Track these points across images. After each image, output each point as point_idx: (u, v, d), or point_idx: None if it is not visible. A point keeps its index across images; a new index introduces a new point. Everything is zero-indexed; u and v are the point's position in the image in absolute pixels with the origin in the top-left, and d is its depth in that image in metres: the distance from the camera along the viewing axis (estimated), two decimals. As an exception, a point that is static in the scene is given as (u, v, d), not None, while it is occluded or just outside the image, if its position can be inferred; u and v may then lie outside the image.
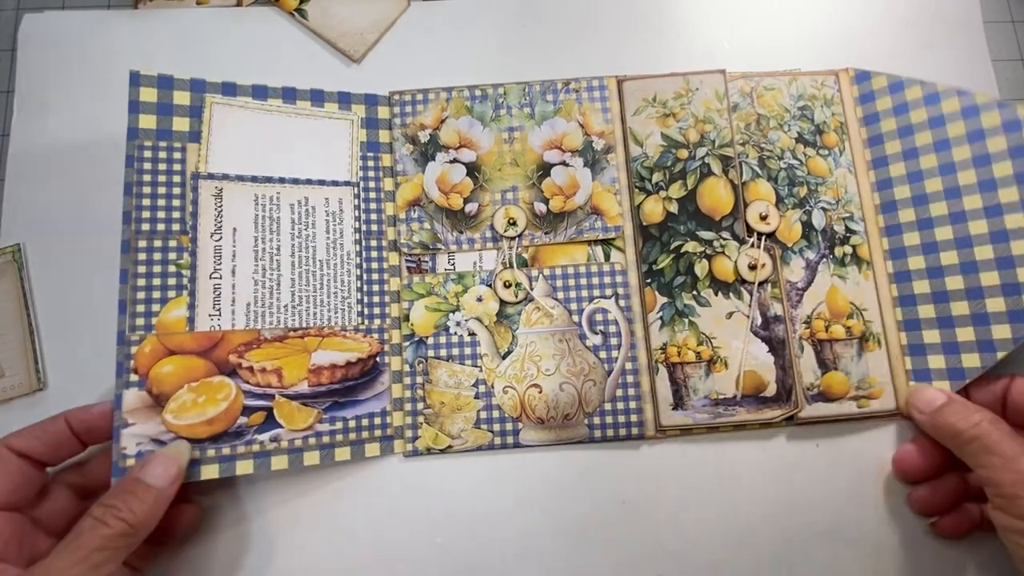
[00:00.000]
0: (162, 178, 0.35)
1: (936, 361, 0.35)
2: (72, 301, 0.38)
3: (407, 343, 0.37)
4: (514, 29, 0.43)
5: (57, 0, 0.44)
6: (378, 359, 0.36)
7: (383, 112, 0.39)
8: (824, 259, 0.38)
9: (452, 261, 0.38)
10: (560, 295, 0.37)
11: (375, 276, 0.37)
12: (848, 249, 0.38)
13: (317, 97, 0.39)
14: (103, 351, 0.36)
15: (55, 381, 0.37)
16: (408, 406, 0.36)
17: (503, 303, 0.37)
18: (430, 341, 0.37)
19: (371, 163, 0.38)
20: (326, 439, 0.35)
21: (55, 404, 0.36)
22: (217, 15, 0.43)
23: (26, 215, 0.39)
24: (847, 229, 0.38)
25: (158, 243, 0.34)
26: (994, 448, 0.30)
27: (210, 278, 0.35)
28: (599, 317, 0.37)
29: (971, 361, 0.33)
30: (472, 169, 0.39)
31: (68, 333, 0.38)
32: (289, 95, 0.38)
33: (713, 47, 0.42)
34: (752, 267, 0.37)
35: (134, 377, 0.32)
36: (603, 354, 0.37)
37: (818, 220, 0.38)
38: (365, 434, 0.35)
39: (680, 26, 0.43)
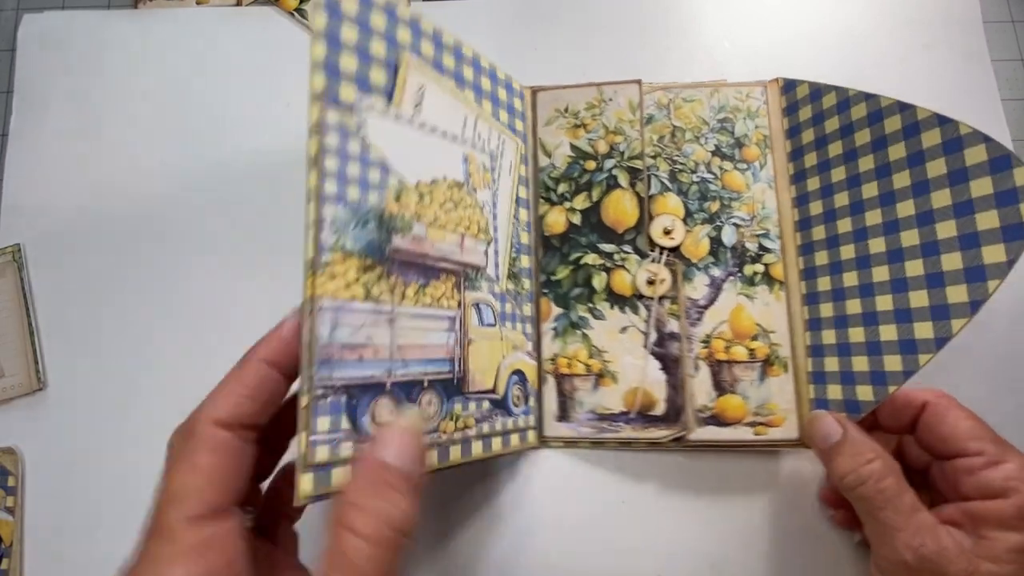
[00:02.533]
0: None
1: (834, 391, 0.32)
2: (72, 301, 0.39)
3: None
4: (514, 31, 0.43)
5: (57, 0, 0.46)
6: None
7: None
8: (731, 277, 0.36)
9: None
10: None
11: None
12: (759, 268, 0.36)
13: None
14: (103, 351, 0.38)
15: (55, 381, 0.38)
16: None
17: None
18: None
19: None
20: None
21: (55, 404, 0.38)
22: (217, 15, 0.43)
23: (26, 215, 0.40)
24: (761, 247, 0.36)
25: None
26: (877, 514, 0.28)
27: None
28: (493, 325, 0.37)
29: (865, 394, 0.31)
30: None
31: (68, 333, 0.39)
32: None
33: (713, 47, 0.42)
34: (651, 282, 0.36)
35: None
36: (494, 361, 0.37)
37: (728, 236, 0.36)
38: None
39: (684, 27, 0.43)
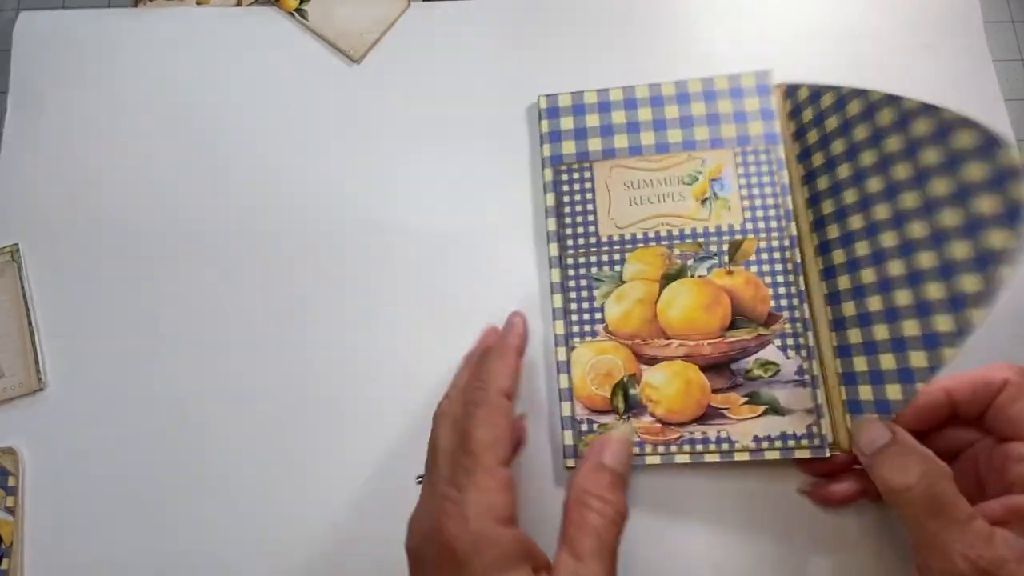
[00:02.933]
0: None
1: (865, 392, 0.32)
2: (72, 301, 0.39)
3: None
4: (515, 30, 0.43)
5: (57, 0, 0.45)
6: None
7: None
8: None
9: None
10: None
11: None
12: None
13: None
14: (103, 351, 0.38)
15: (55, 381, 0.38)
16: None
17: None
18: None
19: None
20: None
21: (55, 404, 0.38)
22: (217, 15, 0.43)
23: (25, 215, 0.40)
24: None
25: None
26: (924, 525, 0.26)
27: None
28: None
29: (894, 392, 0.30)
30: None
31: (68, 333, 0.39)
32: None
33: (713, 46, 0.42)
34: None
35: None
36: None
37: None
38: None
39: (682, 27, 0.43)
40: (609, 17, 0.43)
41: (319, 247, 0.40)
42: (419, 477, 0.33)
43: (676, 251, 0.36)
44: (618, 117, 0.39)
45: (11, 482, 0.37)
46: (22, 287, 0.39)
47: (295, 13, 0.43)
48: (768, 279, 0.35)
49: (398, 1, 0.44)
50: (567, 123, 0.39)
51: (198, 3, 0.44)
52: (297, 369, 0.38)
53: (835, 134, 0.34)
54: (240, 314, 0.39)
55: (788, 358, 0.34)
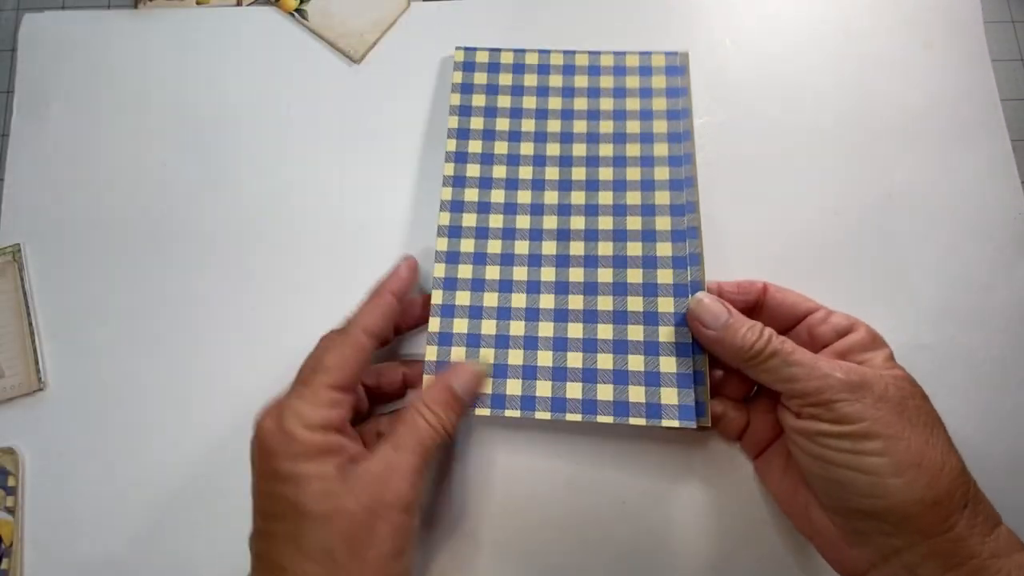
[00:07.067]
0: None
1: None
2: (72, 301, 0.39)
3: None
4: (514, 29, 0.43)
5: (57, 0, 0.45)
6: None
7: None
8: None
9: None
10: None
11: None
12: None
13: None
14: (103, 351, 0.38)
15: (55, 381, 0.38)
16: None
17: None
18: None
19: None
20: None
21: (55, 404, 0.38)
22: (217, 15, 0.44)
23: (26, 215, 0.40)
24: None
25: None
26: (792, 359, 0.29)
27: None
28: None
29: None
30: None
31: (68, 333, 0.39)
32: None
33: (715, 45, 0.42)
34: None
35: None
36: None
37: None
38: None
39: (681, 25, 0.43)
40: (609, 17, 0.43)
41: (319, 246, 0.40)
42: None
43: None
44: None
45: (11, 482, 0.37)
46: (23, 287, 0.39)
47: (295, 13, 0.43)
48: None
49: (398, 1, 0.44)
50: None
51: (198, 3, 0.44)
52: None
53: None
54: (239, 311, 0.39)
55: None
